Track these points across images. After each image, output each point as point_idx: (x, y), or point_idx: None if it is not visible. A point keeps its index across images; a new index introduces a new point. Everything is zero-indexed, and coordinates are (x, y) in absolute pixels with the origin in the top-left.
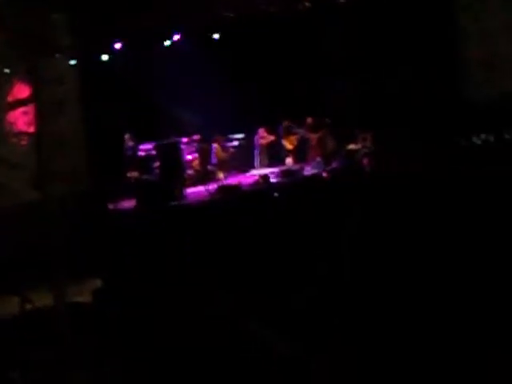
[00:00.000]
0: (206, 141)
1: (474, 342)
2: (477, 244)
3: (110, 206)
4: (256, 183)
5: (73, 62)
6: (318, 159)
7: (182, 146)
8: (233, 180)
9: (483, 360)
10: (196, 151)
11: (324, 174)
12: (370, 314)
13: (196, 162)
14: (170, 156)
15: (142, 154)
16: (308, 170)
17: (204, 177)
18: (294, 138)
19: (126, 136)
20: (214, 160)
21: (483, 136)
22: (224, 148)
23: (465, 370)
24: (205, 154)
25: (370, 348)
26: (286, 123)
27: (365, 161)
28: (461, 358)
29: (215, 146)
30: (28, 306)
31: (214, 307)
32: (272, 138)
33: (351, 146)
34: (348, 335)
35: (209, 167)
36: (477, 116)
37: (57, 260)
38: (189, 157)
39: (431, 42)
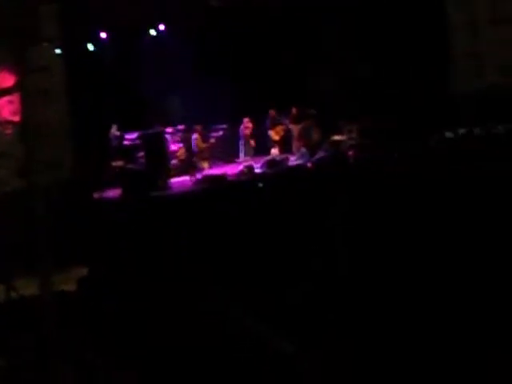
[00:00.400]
0: (190, 131)
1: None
2: (467, 233)
3: (95, 195)
4: (241, 173)
5: (59, 52)
6: (303, 150)
7: (167, 136)
8: (217, 170)
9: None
10: (180, 141)
11: (309, 165)
12: (364, 308)
13: (180, 152)
14: (155, 146)
15: (126, 143)
16: (293, 161)
17: (188, 167)
18: (280, 129)
19: (113, 126)
20: (194, 150)
21: (463, 130)
22: (204, 138)
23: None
24: (189, 144)
25: (365, 343)
26: (272, 113)
27: (350, 152)
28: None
29: (195, 136)
30: (13, 294)
31: (207, 300)
32: (251, 125)
33: (336, 137)
34: (342, 330)
35: (194, 158)
36: (464, 108)
37: (42, 248)
38: (173, 147)
39: (419, 33)
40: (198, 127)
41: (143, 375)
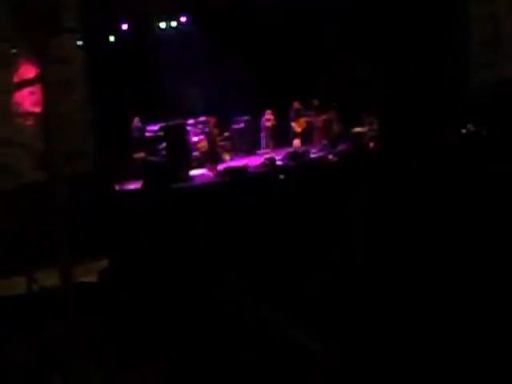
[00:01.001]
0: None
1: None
2: (477, 233)
3: (116, 187)
4: (262, 165)
5: (80, 43)
6: (325, 142)
7: (189, 128)
8: (239, 162)
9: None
10: (202, 133)
11: (330, 157)
12: (380, 299)
13: (202, 144)
14: (176, 137)
15: (148, 135)
16: (314, 153)
17: (210, 158)
18: (303, 121)
19: (135, 118)
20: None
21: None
22: (219, 130)
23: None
24: (211, 136)
25: (381, 333)
26: (295, 105)
27: (371, 144)
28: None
29: (207, 128)
30: (35, 286)
31: (224, 290)
32: (272, 117)
33: (357, 129)
34: (359, 320)
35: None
36: (478, 100)
37: (63, 240)
38: (195, 138)
39: (436, 25)
40: (212, 119)
41: (162, 365)
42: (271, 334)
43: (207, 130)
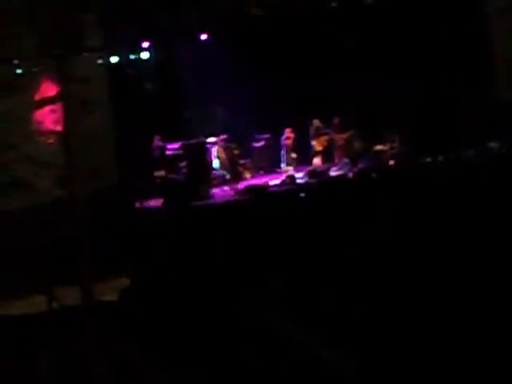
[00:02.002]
0: (233, 141)
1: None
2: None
3: (137, 205)
4: (282, 183)
5: (101, 61)
6: (345, 160)
7: (209, 146)
8: (259, 180)
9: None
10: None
11: (350, 175)
12: (388, 309)
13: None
14: (197, 156)
15: (169, 153)
16: (334, 171)
17: (230, 177)
18: (323, 139)
19: (156, 137)
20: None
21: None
22: (226, 149)
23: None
24: (231, 154)
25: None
26: (316, 123)
27: (392, 161)
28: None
29: (215, 148)
30: (55, 304)
31: (246, 306)
32: (292, 135)
33: (379, 147)
34: (371, 331)
35: (236, 167)
36: (504, 117)
37: (83, 258)
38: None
39: (460, 42)
40: (220, 139)
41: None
42: (290, 348)
43: (227, 148)
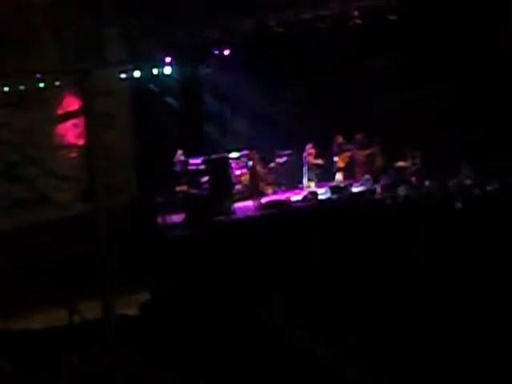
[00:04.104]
0: (255, 156)
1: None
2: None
3: (159, 220)
4: (305, 199)
5: (124, 76)
6: (367, 176)
7: (231, 161)
8: (281, 195)
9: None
10: (245, 166)
11: (378, 190)
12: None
13: (244, 177)
14: (219, 171)
15: (191, 168)
16: (357, 186)
17: (252, 192)
18: (346, 155)
19: (178, 152)
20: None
21: None
22: (262, 164)
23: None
24: (253, 170)
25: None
26: (338, 139)
27: (413, 178)
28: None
29: (250, 163)
30: (76, 318)
31: (267, 321)
32: (314, 151)
33: (400, 164)
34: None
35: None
36: None
37: (105, 272)
38: (237, 172)
39: (481, 56)
40: (254, 154)
41: None
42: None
43: (250, 163)
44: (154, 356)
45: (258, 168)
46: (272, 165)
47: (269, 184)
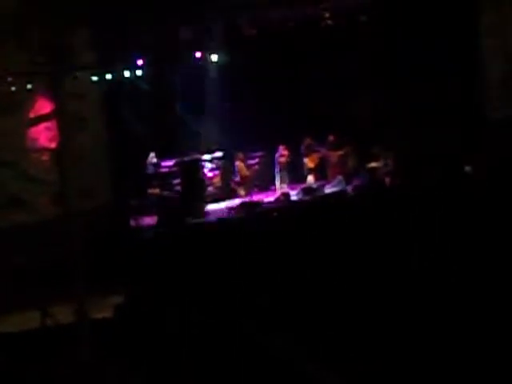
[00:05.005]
0: (227, 158)
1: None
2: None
3: (132, 223)
4: (277, 200)
5: (95, 78)
6: (340, 177)
7: (203, 163)
8: (254, 197)
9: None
10: (217, 168)
11: (349, 190)
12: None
13: (217, 179)
14: (191, 173)
15: (163, 170)
16: (329, 188)
17: (225, 194)
18: (315, 157)
19: (151, 154)
20: (236, 177)
21: None
22: (247, 165)
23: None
24: (226, 172)
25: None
26: (307, 141)
27: (386, 179)
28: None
29: (237, 163)
30: (49, 321)
31: (241, 321)
32: (287, 153)
33: (373, 164)
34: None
35: (231, 184)
36: (494, 135)
37: (78, 275)
38: (210, 174)
39: (453, 59)
40: (241, 154)
41: None
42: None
43: (236, 164)
44: (127, 358)
45: (242, 169)
46: (255, 167)
47: (241, 186)
